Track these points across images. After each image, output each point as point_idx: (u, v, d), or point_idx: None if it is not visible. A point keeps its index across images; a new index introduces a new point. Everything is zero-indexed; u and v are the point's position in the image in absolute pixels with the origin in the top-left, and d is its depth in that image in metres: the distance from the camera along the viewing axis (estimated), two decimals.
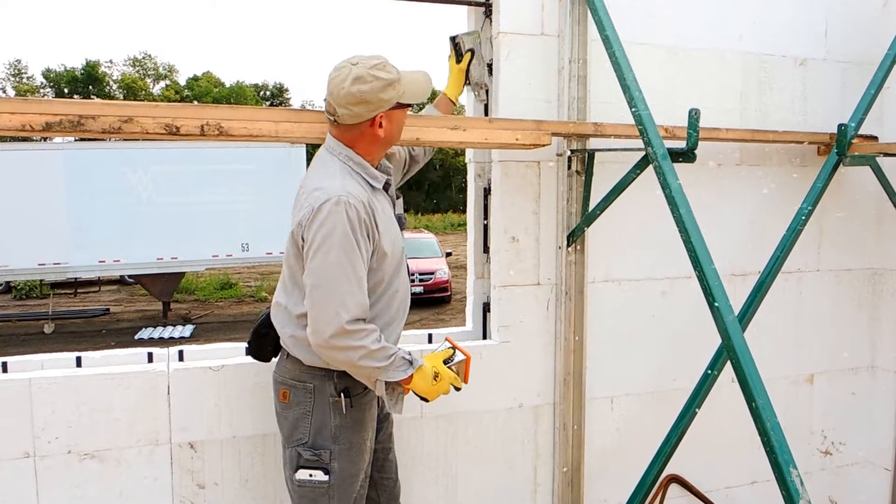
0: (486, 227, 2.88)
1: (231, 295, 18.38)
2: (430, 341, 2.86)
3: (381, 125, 2.00)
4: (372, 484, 2.27)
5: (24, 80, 37.75)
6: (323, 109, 2.09)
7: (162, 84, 41.03)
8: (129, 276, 16.37)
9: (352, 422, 2.05)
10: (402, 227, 2.18)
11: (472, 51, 2.66)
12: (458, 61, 2.66)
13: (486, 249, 2.89)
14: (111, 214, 13.12)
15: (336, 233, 1.86)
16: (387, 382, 1.97)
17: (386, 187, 2.12)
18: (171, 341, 13.17)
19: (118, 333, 14.10)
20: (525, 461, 2.86)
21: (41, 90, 36.81)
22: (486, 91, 2.78)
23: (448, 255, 18.22)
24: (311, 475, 2.02)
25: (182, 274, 15.03)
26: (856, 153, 2.93)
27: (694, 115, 2.29)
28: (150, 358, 2.54)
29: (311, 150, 15.84)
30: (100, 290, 17.79)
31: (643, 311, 2.97)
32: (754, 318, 2.80)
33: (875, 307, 3.44)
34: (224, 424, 2.45)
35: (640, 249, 2.94)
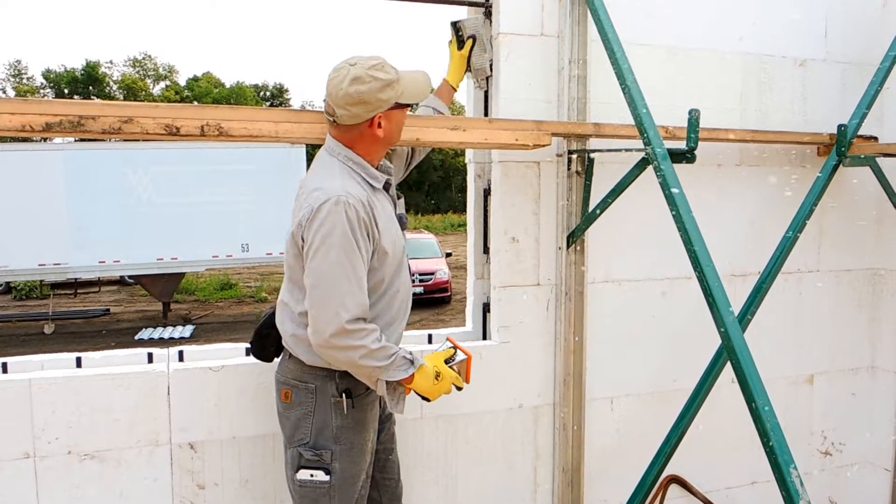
0: (486, 228, 2.88)
1: (231, 295, 18.39)
2: (430, 342, 2.86)
3: (379, 125, 2.00)
4: (374, 484, 2.27)
5: (25, 81, 37.77)
6: (322, 110, 2.09)
7: (162, 84, 41.06)
8: (129, 277, 16.38)
9: (353, 422, 2.05)
10: (404, 226, 2.18)
11: (473, 37, 2.64)
12: (460, 47, 2.65)
13: (486, 250, 2.89)
14: (111, 215, 13.13)
15: (335, 233, 1.87)
16: (388, 382, 1.97)
17: (386, 187, 2.12)
18: (171, 342, 13.18)
19: (118, 334, 14.10)
20: (525, 461, 2.86)
21: (41, 91, 36.83)
22: (487, 79, 2.77)
23: (448, 255, 18.23)
24: (312, 475, 2.02)
25: (182, 274, 15.04)
26: (856, 154, 2.94)
27: (694, 116, 2.29)
28: (150, 358, 2.54)
29: (311, 150, 15.88)
30: (100, 291, 17.79)
31: (643, 311, 2.97)
32: (754, 319, 2.80)
33: (875, 307, 3.44)
34: (224, 425, 2.45)
35: (640, 250, 2.94)
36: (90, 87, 36.91)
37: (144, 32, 62.88)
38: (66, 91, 36.50)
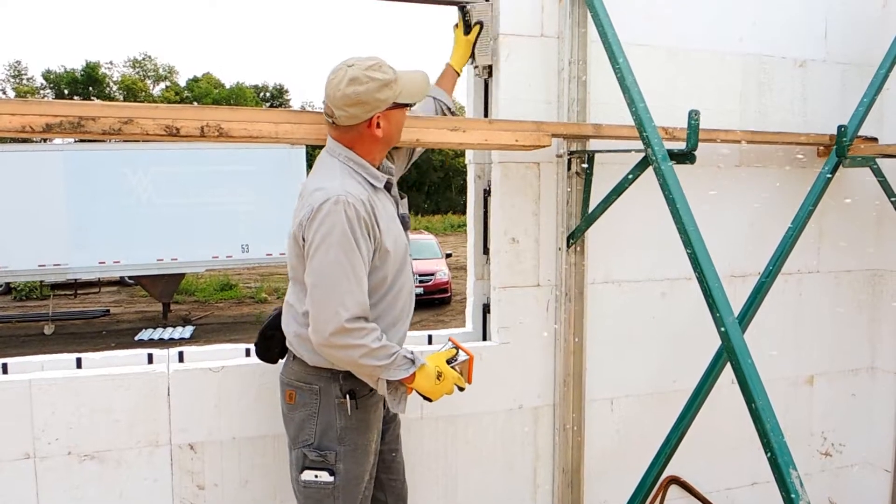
0: (486, 229, 2.88)
1: (231, 296, 18.40)
2: (429, 342, 2.86)
3: (378, 125, 2.01)
4: (379, 485, 2.27)
5: (25, 82, 37.76)
6: (322, 111, 2.09)
7: (162, 85, 41.03)
8: (129, 278, 16.41)
9: (357, 423, 2.06)
10: (406, 226, 2.18)
11: (480, 23, 2.64)
12: (467, 32, 2.64)
13: (486, 251, 2.89)
14: (111, 215, 13.13)
15: (335, 232, 1.87)
16: (389, 381, 1.98)
17: (388, 187, 2.12)
18: (171, 342, 13.18)
19: (118, 334, 14.11)
20: (525, 462, 2.86)
21: (41, 91, 36.82)
22: (489, 69, 2.75)
23: (448, 256, 18.25)
24: (316, 476, 2.02)
25: (182, 275, 15.06)
26: (855, 154, 2.94)
27: (694, 117, 2.29)
28: (150, 359, 2.54)
29: (311, 151, 15.91)
30: (100, 292, 17.79)
31: (643, 312, 2.97)
32: (754, 320, 2.80)
33: (875, 308, 3.44)
34: (224, 426, 2.45)
35: (639, 251, 2.94)
36: (90, 88, 36.90)
37: (144, 33, 62.92)
38: (66, 92, 36.50)
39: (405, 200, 2.25)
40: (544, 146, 2.49)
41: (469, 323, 2.97)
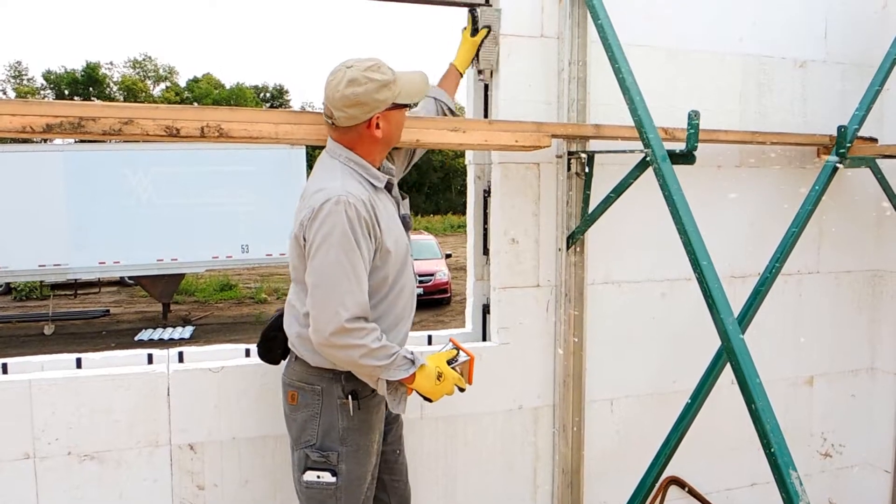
0: (485, 229, 2.88)
1: (231, 296, 18.40)
2: (429, 343, 2.86)
3: (377, 126, 2.01)
4: (382, 486, 2.27)
5: (25, 82, 37.77)
6: (322, 112, 2.10)
7: (162, 86, 41.05)
8: (129, 278, 16.41)
9: (359, 423, 2.06)
10: (408, 227, 2.18)
11: (488, 27, 2.65)
12: (473, 34, 2.65)
13: (485, 251, 2.89)
14: (111, 216, 13.13)
15: (336, 232, 1.87)
16: (389, 382, 1.98)
17: (388, 188, 2.13)
18: (170, 343, 13.18)
19: (118, 335, 14.11)
20: (525, 463, 2.86)
21: (41, 92, 36.83)
22: (491, 73, 2.76)
23: (448, 256, 18.25)
24: (318, 476, 2.02)
25: (182, 275, 15.06)
26: (855, 155, 2.94)
27: (693, 117, 2.29)
28: (150, 359, 2.54)
29: (311, 151, 15.91)
30: (100, 292, 17.79)
31: (643, 312, 2.97)
32: (754, 320, 2.80)
33: (875, 309, 3.44)
34: (224, 426, 2.45)
35: (639, 251, 2.94)
36: (90, 89, 36.91)
37: (144, 33, 62.91)
38: (66, 92, 36.50)
39: (406, 201, 2.25)
40: (544, 147, 2.49)
41: (469, 323, 2.97)
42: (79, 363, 2.48)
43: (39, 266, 13.11)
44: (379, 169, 2.09)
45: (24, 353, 11.12)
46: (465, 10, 2.82)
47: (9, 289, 17.84)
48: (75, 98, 35.49)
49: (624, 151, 2.60)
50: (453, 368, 2.09)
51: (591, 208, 2.69)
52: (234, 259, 14.21)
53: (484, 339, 2.92)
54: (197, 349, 2.63)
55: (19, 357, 2.51)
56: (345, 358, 1.91)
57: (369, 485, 2.12)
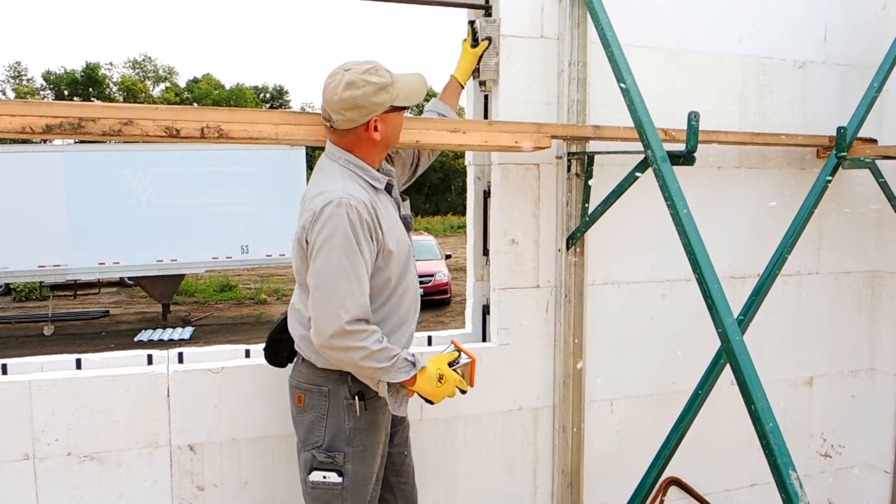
0: (485, 230, 2.88)
1: (231, 297, 18.40)
2: (429, 343, 2.86)
3: (376, 129, 2.01)
4: (388, 487, 2.27)
5: (24, 83, 37.79)
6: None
7: (162, 86, 41.07)
8: (129, 278, 16.41)
9: (366, 424, 2.06)
10: (409, 227, 2.19)
11: (489, 39, 2.65)
12: (474, 46, 2.65)
13: (485, 252, 2.90)
14: (111, 216, 13.13)
15: (337, 234, 1.88)
16: (390, 384, 1.98)
17: (388, 189, 2.13)
18: (170, 343, 13.18)
19: (118, 335, 14.11)
20: (524, 463, 2.86)
21: (41, 92, 36.85)
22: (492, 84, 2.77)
23: (448, 257, 18.26)
24: (324, 477, 2.03)
25: (182, 276, 15.05)
26: (855, 156, 2.94)
27: (693, 118, 2.29)
28: (150, 360, 2.54)
29: (311, 152, 15.92)
30: (99, 292, 17.79)
31: (643, 313, 2.97)
32: (754, 321, 2.80)
33: (874, 310, 3.44)
34: (224, 427, 2.45)
35: (639, 252, 2.94)
36: (90, 89, 36.93)
37: (144, 34, 62.88)
38: (65, 93, 36.51)
39: (407, 202, 2.25)
40: (544, 147, 2.49)
41: (469, 324, 2.97)
42: (78, 364, 2.48)
43: (39, 267, 13.10)
44: (378, 170, 2.10)
45: (23, 353, 11.11)
46: (465, 10, 2.83)
47: (8, 289, 17.84)
48: (75, 98, 35.49)
49: (624, 152, 2.60)
50: (454, 370, 2.09)
51: (590, 209, 2.69)
52: (234, 260, 14.20)
53: (484, 339, 2.92)
54: (197, 350, 2.63)
55: (19, 358, 2.51)
56: (345, 360, 1.92)
57: (374, 485, 2.13)
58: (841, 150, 2.89)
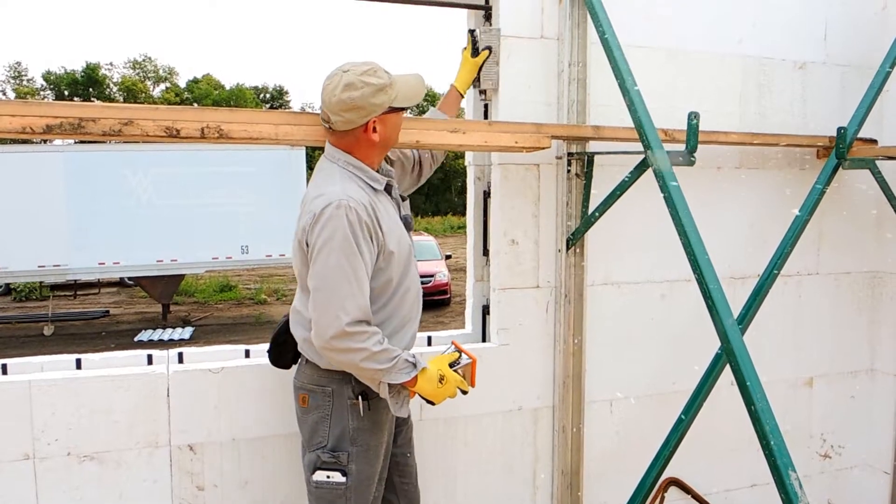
0: (485, 230, 2.88)
1: (231, 297, 18.40)
2: (429, 344, 2.86)
3: (374, 130, 2.01)
4: (391, 488, 2.28)
5: (25, 83, 37.79)
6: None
7: (162, 86, 41.08)
8: (129, 279, 16.42)
9: (370, 424, 2.07)
10: (409, 227, 2.19)
11: (489, 48, 2.65)
12: (474, 55, 2.65)
13: (485, 252, 2.90)
14: (111, 216, 13.14)
15: (337, 236, 1.88)
16: (391, 385, 1.98)
17: (388, 189, 2.13)
18: (170, 343, 13.18)
19: (118, 335, 14.11)
20: (524, 464, 2.86)
21: (41, 92, 36.85)
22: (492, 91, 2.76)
23: (448, 257, 18.27)
24: (328, 476, 2.03)
25: (182, 276, 15.06)
26: (855, 156, 2.94)
27: (693, 119, 2.29)
28: (150, 360, 2.54)
29: (311, 152, 15.89)
30: (99, 292, 17.80)
31: (642, 313, 2.97)
32: (753, 321, 2.80)
33: (874, 310, 3.44)
34: (224, 427, 2.45)
35: (639, 252, 2.94)
36: (90, 89, 36.94)
37: (144, 34, 62.91)
38: (66, 93, 36.52)
39: (407, 202, 2.25)
40: (544, 148, 2.49)
41: (469, 324, 2.98)
42: (78, 364, 2.48)
43: (39, 267, 13.11)
44: (378, 171, 2.10)
45: (23, 353, 11.11)
46: (464, 11, 2.83)
47: (8, 289, 17.84)
48: (75, 99, 35.50)
49: (624, 153, 2.60)
50: (455, 371, 2.09)
51: (590, 209, 2.69)
52: (234, 260, 14.20)
53: (484, 340, 2.92)
54: (197, 350, 2.63)
55: (19, 358, 2.51)
56: (346, 361, 1.92)
57: (378, 485, 2.13)
58: (841, 150, 2.89)
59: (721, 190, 3.07)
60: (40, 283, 15.97)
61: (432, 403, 2.07)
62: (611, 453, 2.96)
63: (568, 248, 2.74)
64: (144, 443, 2.37)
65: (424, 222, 35.52)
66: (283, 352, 2.22)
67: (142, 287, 15.28)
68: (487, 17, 2.77)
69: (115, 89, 38.22)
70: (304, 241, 1.95)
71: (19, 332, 14.47)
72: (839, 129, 2.90)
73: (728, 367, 1.97)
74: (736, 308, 2.54)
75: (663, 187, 2.20)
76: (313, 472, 2.05)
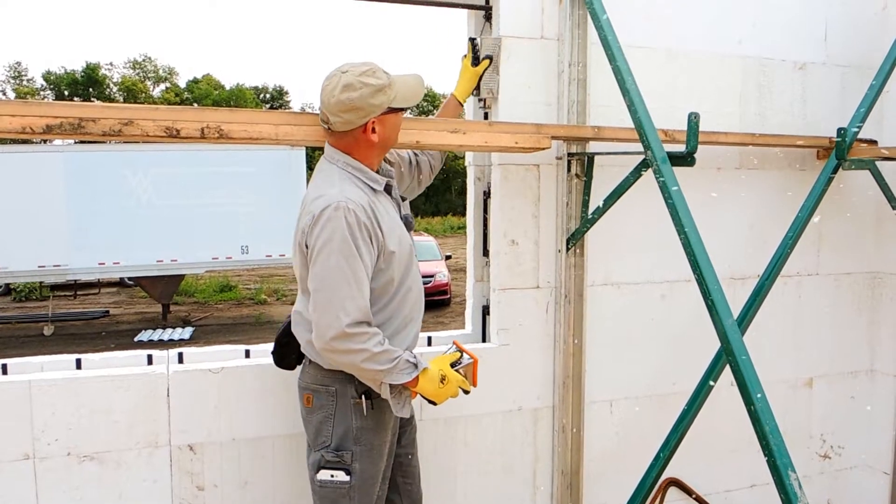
0: (485, 231, 2.88)
1: (230, 297, 18.40)
2: (429, 344, 2.86)
3: (373, 130, 2.01)
4: (395, 487, 2.28)
5: (25, 83, 37.79)
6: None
7: (162, 86, 41.08)
8: (129, 279, 16.42)
9: (373, 423, 2.07)
10: (410, 227, 2.19)
11: (490, 57, 2.64)
12: (474, 64, 2.65)
13: (485, 252, 2.90)
14: (111, 216, 13.14)
15: (336, 238, 1.88)
16: (393, 385, 1.98)
17: (388, 189, 2.13)
18: (170, 343, 13.18)
19: (118, 335, 14.11)
20: (524, 464, 2.86)
21: (41, 92, 36.85)
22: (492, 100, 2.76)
23: (448, 258, 18.26)
24: (332, 475, 2.04)
25: (182, 276, 15.05)
26: (855, 157, 2.94)
27: (693, 119, 2.29)
28: (150, 360, 2.54)
29: (311, 152, 15.89)
30: (99, 293, 17.79)
31: (642, 314, 2.97)
32: (753, 322, 2.80)
33: (874, 311, 3.44)
34: (224, 427, 2.45)
35: (639, 253, 2.94)
36: (90, 89, 36.93)
37: (144, 34, 62.91)
38: (66, 93, 36.52)
39: (407, 202, 2.25)
40: (544, 148, 2.49)
41: (469, 325, 2.98)
42: (78, 364, 2.48)
43: (39, 267, 13.11)
44: (378, 171, 2.10)
45: (23, 353, 11.11)
46: (465, 12, 2.83)
47: (8, 289, 17.84)
48: (75, 99, 35.51)
49: (624, 153, 2.60)
50: (457, 371, 2.09)
51: (590, 210, 2.69)
52: (234, 260, 14.20)
53: (484, 340, 2.92)
54: (197, 350, 2.63)
55: (19, 358, 2.51)
56: (347, 362, 1.92)
57: (381, 484, 2.14)
58: (841, 151, 2.89)
59: (721, 190, 3.06)
60: (40, 283, 15.95)
61: (434, 403, 2.07)
62: (611, 453, 2.96)
63: (568, 249, 2.74)
64: (144, 443, 2.37)
65: (424, 223, 35.51)
66: (287, 353, 2.23)
67: (142, 287, 15.27)
68: (487, 18, 2.77)
69: (115, 89, 38.23)
70: (303, 243, 1.96)
71: (19, 332, 14.47)
72: (839, 129, 2.90)
73: (728, 367, 1.97)
74: (736, 308, 2.54)
75: (663, 188, 2.20)
76: (317, 471, 2.05)
